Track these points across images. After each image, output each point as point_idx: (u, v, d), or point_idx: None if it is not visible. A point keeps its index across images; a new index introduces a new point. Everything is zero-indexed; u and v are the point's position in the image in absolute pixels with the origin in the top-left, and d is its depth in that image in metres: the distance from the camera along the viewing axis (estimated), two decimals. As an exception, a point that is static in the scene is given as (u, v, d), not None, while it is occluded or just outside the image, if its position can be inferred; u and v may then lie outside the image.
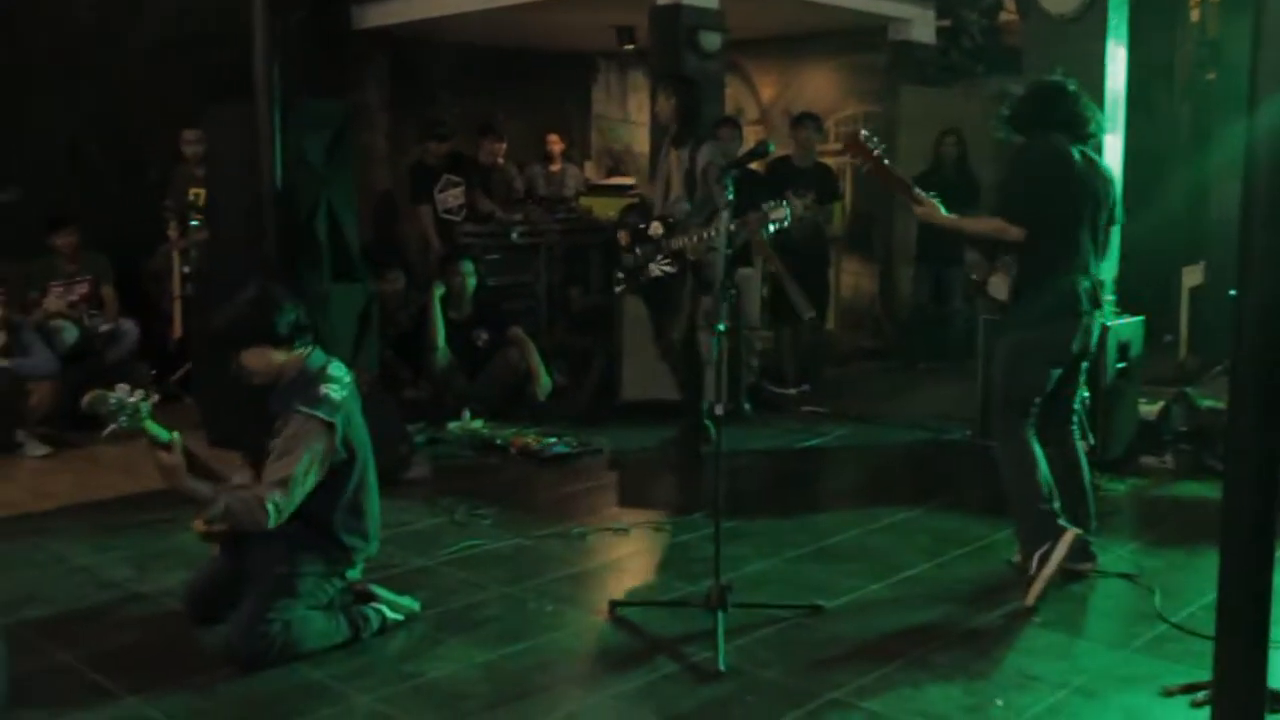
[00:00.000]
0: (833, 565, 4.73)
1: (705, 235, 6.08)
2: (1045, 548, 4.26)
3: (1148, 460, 6.24)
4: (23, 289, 7.49)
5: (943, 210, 4.48)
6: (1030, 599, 4.20)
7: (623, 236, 6.63)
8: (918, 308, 9.71)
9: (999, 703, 3.45)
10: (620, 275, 6.68)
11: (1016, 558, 4.53)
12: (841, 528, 5.24)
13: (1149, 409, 6.35)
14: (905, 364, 9.63)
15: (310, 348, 3.96)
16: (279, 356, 3.88)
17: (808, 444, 7.01)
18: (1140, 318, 6.25)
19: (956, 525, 5.26)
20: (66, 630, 4.09)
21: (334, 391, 3.85)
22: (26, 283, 7.66)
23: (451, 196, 9.12)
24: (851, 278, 11.30)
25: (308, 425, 3.76)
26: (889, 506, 5.56)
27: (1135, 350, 6.15)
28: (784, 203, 4.87)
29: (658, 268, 6.36)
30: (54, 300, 7.56)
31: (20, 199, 8.69)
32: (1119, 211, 4.61)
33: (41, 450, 6.64)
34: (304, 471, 3.73)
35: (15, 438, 6.68)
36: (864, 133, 4.46)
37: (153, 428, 3.61)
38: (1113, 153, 6.29)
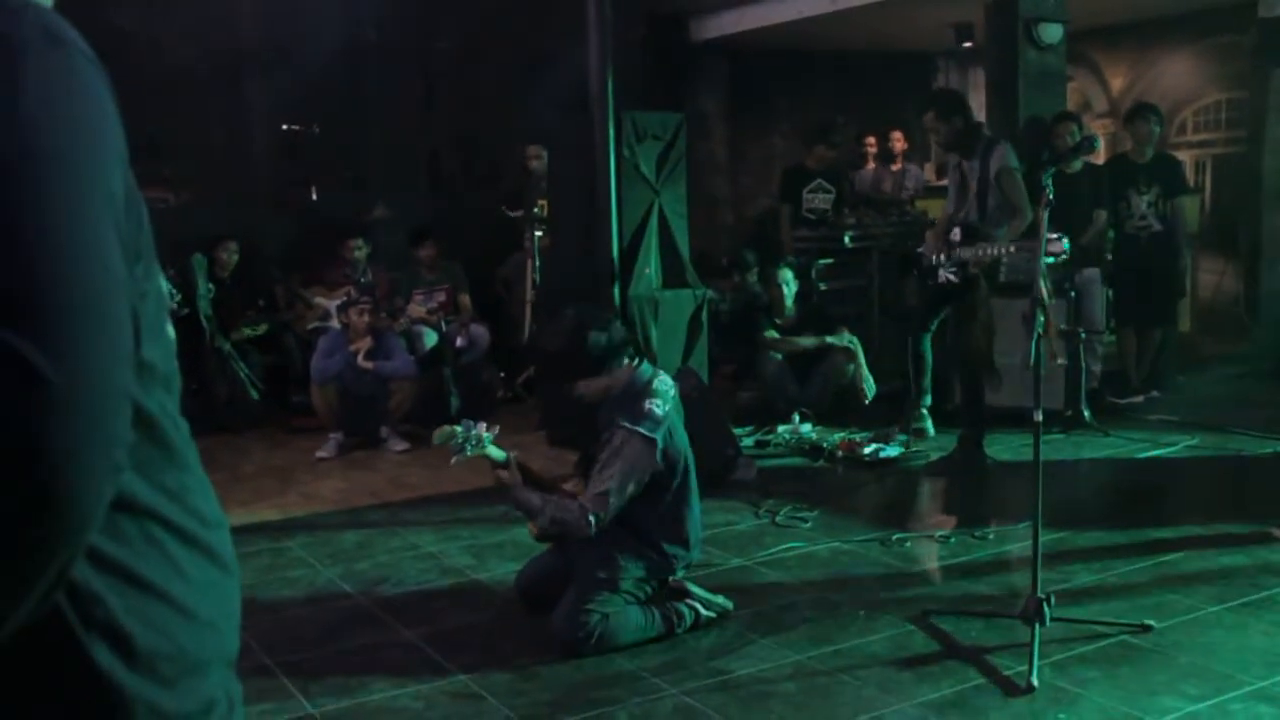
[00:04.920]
0: (1168, 584, 4.45)
1: (992, 252, 5.97)
2: None
3: None
4: (390, 297, 8.18)
5: None
6: None
7: (929, 238, 6.62)
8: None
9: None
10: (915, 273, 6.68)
11: None
12: (1183, 545, 4.91)
13: None
14: (1273, 370, 8.86)
15: (636, 360, 4.13)
16: (601, 380, 4.07)
17: (1151, 454, 6.60)
18: None
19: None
20: (412, 609, 4.45)
21: (657, 407, 4.00)
22: (393, 290, 8.36)
23: (819, 199, 9.17)
24: (1211, 277, 10.51)
25: (630, 440, 3.93)
26: (1241, 523, 5.17)
27: None
28: (1062, 236, 4.70)
29: (945, 273, 6.29)
30: (416, 307, 8.21)
31: (391, 217, 9.48)
32: None
33: (401, 445, 7.20)
34: (624, 484, 3.91)
35: (380, 434, 7.29)
36: None
37: (493, 452, 4.03)
38: None
